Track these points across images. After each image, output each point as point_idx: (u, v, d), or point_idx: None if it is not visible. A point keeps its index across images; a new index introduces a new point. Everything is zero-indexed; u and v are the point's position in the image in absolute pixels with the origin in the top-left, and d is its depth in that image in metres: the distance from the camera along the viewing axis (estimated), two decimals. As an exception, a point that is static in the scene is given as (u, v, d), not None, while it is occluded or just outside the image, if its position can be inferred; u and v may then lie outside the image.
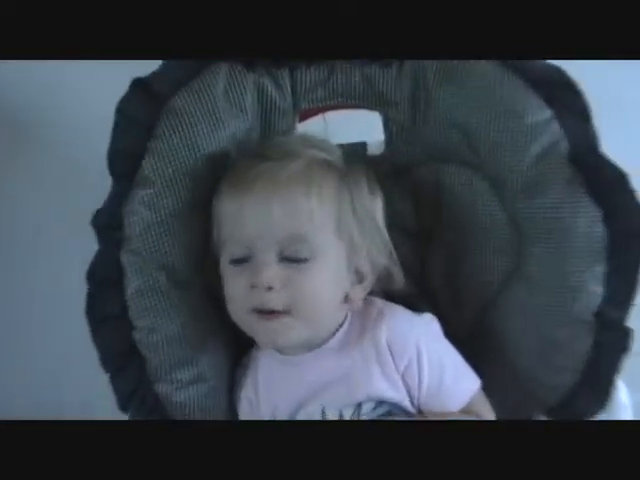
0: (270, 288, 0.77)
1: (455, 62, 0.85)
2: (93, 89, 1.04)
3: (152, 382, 0.85)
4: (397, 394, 0.80)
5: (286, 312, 0.77)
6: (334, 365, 0.81)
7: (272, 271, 0.76)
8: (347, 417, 0.80)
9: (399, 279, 0.85)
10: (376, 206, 0.83)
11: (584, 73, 0.82)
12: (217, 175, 0.85)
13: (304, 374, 0.82)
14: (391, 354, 0.80)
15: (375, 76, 0.88)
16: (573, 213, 0.82)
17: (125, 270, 0.83)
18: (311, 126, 0.90)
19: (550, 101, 0.83)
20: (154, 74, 0.85)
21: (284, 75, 0.88)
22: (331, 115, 0.91)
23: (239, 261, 0.79)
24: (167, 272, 0.84)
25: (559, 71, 0.84)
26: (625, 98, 1.14)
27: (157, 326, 0.84)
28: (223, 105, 0.85)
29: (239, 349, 0.91)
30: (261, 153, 0.80)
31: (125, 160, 0.83)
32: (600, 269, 0.82)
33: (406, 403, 0.80)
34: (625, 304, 0.83)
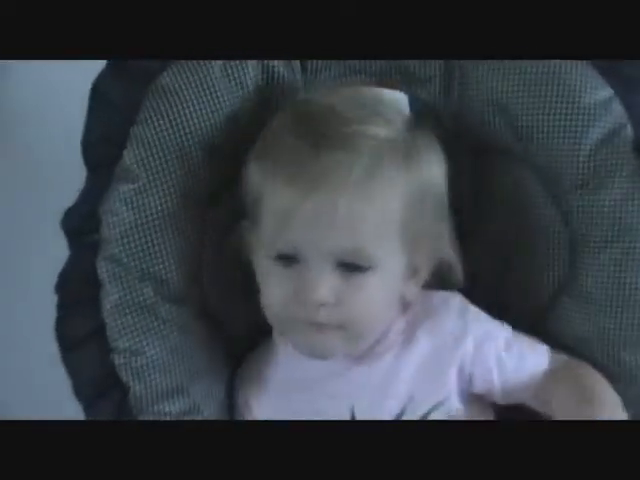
0: (323, 304, 0.71)
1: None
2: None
3: (135, 414, 0.77)
4: (442, 393, 0.75)
5: (339, 327, 0.72)
6: (374, 370, 0.76)
7: (327, 286, 0.71)
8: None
9: (458, 274, 0.78)
10: (444, 184, 0.76)
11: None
12: (215, 165, 0.78)
13: (338, 380, 0.77)
14: (460, 348, 0.75)
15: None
16: (638, 212, 0.75)
17: (102, 281, 0.76)
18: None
19: (610, 77, 0.76)
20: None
21: None
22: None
23: (287, 260, 0.72)
24: (154, 283, 0.77)
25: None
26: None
27: (141, 348, 0.76)
28: (220, 81, 0.77)
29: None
30: (317, 130, 0.71)
31: (102, 148, 0.77)
32: None
33: (451, 402, 0.75)
34: None
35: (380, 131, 0.72)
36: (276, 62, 0.79)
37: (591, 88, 0.76)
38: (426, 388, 0.75)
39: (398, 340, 0.77)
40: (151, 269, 0.76)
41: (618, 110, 0.75)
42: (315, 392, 0.77)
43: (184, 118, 0.76)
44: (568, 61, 0.76)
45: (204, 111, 0.76)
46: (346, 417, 0.75)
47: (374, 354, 0.76)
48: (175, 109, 0.76)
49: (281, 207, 0.71)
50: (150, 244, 0.76)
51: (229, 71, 0.77)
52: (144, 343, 0.76)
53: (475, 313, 0.77)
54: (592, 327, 0.77)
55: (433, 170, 0.75)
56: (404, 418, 0.75)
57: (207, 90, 0.77)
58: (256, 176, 0.74)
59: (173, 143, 0.76)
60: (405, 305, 0.77)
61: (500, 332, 0.77)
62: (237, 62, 0.78)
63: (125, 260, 0.75)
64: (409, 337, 0.77)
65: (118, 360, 0.75)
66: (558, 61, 0.76)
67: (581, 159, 0.76)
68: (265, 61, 0.79)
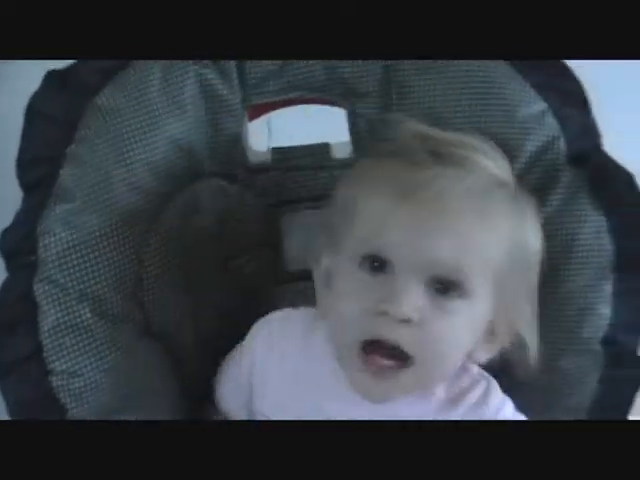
0: (407, 320, 0.63)
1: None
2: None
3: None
4: None
5: (406, 360, 0.64)
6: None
7: (415, 301, 0.63)
8: None
9: (531, 359, 0.69)
10: (537, 252, 0.69)
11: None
12: (154, 184, 0.77)
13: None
14: None
15: (339, 63, 0.79)
16: (574, 223, 0.75)
17: (39, 302, 0.72)
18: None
19: (544, 91, 0.76)
20: (74, 64, 0.76)
21: (231, 65, 0.80)
22: (277, 114, 0.82)
23: (374, 265, 0.64)
24: (92, 304, 0.74)
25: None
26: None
27: (79, 370, 0.73)
28: (159, 101, 0.76)
29: (191, 400, 0.80)
30: (433, 147, 0.66)
31: (39, 168, 0.74)
32: (608, 288, 0.75)
33: None
34: (638, 330, 0.76)
35: (493, 167, 0.68)
36: (215, 79, 0.78)
37: (526, 102, 0.76)
38: None
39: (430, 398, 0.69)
40: (89, 289, 0.73)
41: (551, 123, 0.75)
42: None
43: (121, 137, 0.74)
44: (503, 73, 0.76)
45: (142, 130, 0.75)
46: None
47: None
48: (113, 128, 0.74)
49: (381, 208, 0.65)
50: (88, 264, 0.73)
51: (167, 89, 0.76)
52: (82, 364, 0.73)
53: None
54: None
55: (533, 233, 0.69)
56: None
57: (145, 109, 0.75)
58: (353, 182, 0.69)
59: (110, 163, 0.74)
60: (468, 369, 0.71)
61: None
62: (175, 78, 0.76)
63: (62, 281, 0.72)
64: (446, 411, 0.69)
65: (56, 382, 0.72)
66: (494, 73, 0.76)
67: (517, 172, 0.74)
68: (203, 78, 0.77)
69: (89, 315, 0.73)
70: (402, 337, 0.63)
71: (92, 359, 0.73)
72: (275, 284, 0.82)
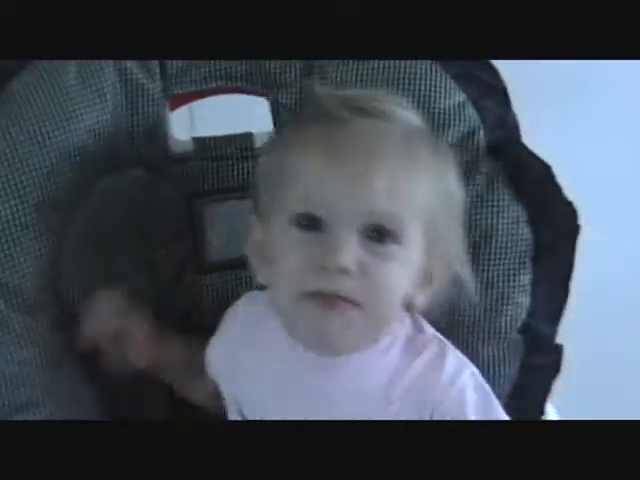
0: (345, 271, 0.63)
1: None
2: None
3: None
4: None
5: (355, 304, 0.64)
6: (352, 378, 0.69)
7: (352, 252, 0.63)
8: None
9: (471, 291, 0.72)
10: (461, 194, 0.70)
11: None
12: (72, 173, 0.75)
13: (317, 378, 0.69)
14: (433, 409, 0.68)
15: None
16: (493, 213, 0.76)
17: None
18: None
19: (463, 82, 0.76)
20: None
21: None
22: (199, 104, 0.80)
23: (310, 225, 0.65)
24: (5, 295, 0.73)
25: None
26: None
27: None
28: (77, 89, 0.75)
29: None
30: (351, 104, 0.67)
31: None
32: (526, 277, 0.76)
33: None
34: (555, 318, 0.77)
35: (411, 116, 0.69)
36: (134, 68, 0.77)
37: (445, 92, 0.76)
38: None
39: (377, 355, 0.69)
40: (2, 280, 0.72)
41: (471, 114, 0.76)
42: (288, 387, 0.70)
43: (37, 126, 0.73)
44: (423, 65, 0.76)
45: (58, 118, 0.74)
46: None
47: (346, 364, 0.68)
48: (28, 117, 0.73)
49: (309, 168, 0.65)
50: (1, 254, 0.72)
51: (84, 76, 0.75)
52: None
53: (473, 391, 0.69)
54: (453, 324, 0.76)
55: (455, 179, 0.70)
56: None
57: (61, 97, 0.74)
58: (278, 148, 0.70)
59: (25, 152, 0.72)
60: (411, 314, 0.71)
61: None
62: (93, 67, 0.75)
63: None
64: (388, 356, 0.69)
65: None
66: (413, 65, 0.75)
67: None
68: (122, 66, 0.76)
69: (2, 306, 0.72)
70: (343, 287, 0.63)
71: (5, 352, 0.72)
72: (197, 274, 0.80)
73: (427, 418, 0.67)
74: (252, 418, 0.72)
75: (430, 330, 0.71)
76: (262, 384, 0.71)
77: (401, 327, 0.70)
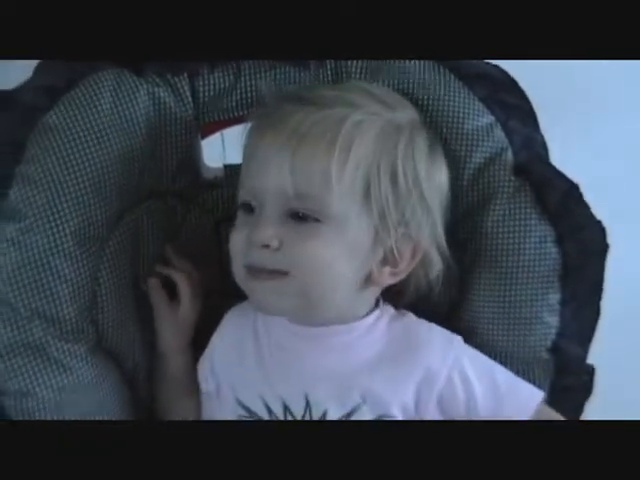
0: (266, 246, 0.70)
1: (383, 60, 0.78)
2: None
3: (28, 456, 0.73)
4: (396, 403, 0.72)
5: (282, 273, 0.70)
6: (344, 354, 0.74)
7: (271, 228, 0.70)
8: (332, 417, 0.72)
9: (435, 273, 0.75)
10: (433, 176, 0.73)
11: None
12: (107, 202, 0.76)
13: (308, 352, 0.74)
14: (433, 382, 0.72)
15: (290, 79, 0.79)
16: (520, 232, 0.75)
17: None
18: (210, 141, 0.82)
19: (491, 104, 0.77)
20: (23, 84, 0.75)
21: (182, 82, 0.79)
22: (231, 131, 0.81)
23: (246, 209, 0.73)
24: (43, 323, 0.73)
25: (499, 69, 0.78)
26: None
27: (32, 389, 0.73)
28: (110, 119, 0.75)
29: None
30: (306, 96, 0.72)
31: None
32: (555, 297, 0.76)
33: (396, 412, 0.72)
34: (585, 338, 0.77)
35: (380, 110, 0.71)
36: (167, 96, 0.77)
37: (473, 114, 0.76)
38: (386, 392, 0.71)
39: (361, 332, 0.74)
40: (40, 308, 0.72)
41: (499, 135, 0.76)
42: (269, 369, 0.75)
43: (72, 156, 0.73)
44: (451, 87, 0.76)
45: (93, 148, 0.74)
46: (301, 402, 0.73)
47: (331, 335, 0.73)
48: (63, 147, 0.73)
49: (246, 153, 0.73)
50: (39, 283, 0.72)
51: (118, 107, 0.75)
52: (35, 384, 0.72)
53: (470, 358, 0.73)
54: (483, 345, 0.76)
55: (419, 155, 0.72)
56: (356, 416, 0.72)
57: (96, 127, 0.74)
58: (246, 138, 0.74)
59: (61, 181, 0.73)
60: (377, 287, 0.74)
61: (486, 377, 0.72)
62: (126, 96, 0.76)
63: (13, 300, 0.72)
64: (373, 332, 0.74)
65: (8, 402, 0.72)
66: (444, 88, 0.76)
67: (465, 183, 0.76)
68: (155, 94, 0.77)
69: (41, 334, 0.73)
70: (266, 260, 0.70)
71: (44, 379, 0.73)
72: (224, 297, 0.81)
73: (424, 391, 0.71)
74: (252, 404, 0.75)
75: (413, 317, 0.76)
76: (258, 364, 0.75)
77: (385, 307, 0.75)
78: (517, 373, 0.75)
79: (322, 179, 0.68)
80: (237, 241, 0.72)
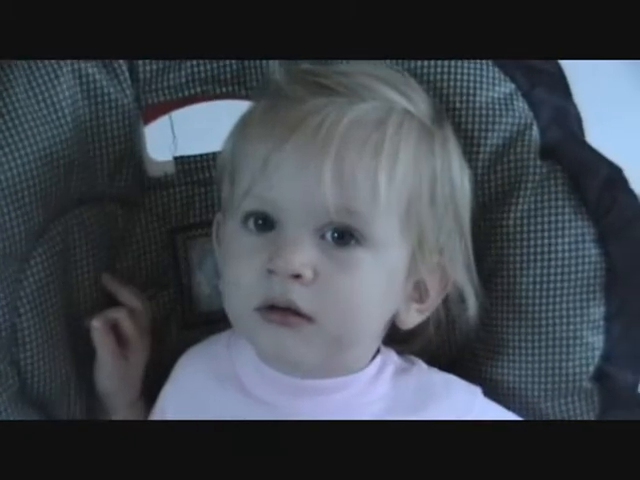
0: (297, 276, 0.58)
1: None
2: None
3: None
4: None
5: (309, 318, 0.59)
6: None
7: (304, 253, 0.59)
8: None
9: (472, 310, 0.66)
10: (464, 190, 0.65)
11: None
12: (25, 211, 0.67)
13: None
14: None
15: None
16: (551, 231, 0.68)
17: None
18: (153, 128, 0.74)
19: (510, 69, 0.69)
20: None
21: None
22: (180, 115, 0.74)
23: (259, 225, 0.61)
24: None
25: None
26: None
27: None
28: (25, 111, 0.67)
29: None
30: (316, 80, 0.63)
31: None
32: (598, 311, 0.68)
33: None
34: (638, 361, 0.70)
35: (399, 99, 0.62)
36: (97, 74, 0.69)
37: (487, 84, 0.68)
38: None
39: (362, 386, 0.64)
40: None
41: (521, 108, 0.68)
42: None
43: None
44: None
45: (5, 143, 0.65)
46: None
47: (326, 391, 0.64)
48: None
49: (255, 156, 0.60)
50: None
51: (35, 88, 0.66)
52: None
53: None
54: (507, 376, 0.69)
55: (453, 167, 0.64)
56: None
57: (9, 123, 0.65)
58: (235, 138, 0.65)
59: None
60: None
61: None
62: (45, 75, 0.67)
63: None
64: (376, 387, 0.64)
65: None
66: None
67: (479, 171, 0.68)
68: (82, 72, 0.69)
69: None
70: (297, 296, 0.58)
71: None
72: (184, 328, 0.74)
73: None
74: None
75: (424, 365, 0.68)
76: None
77: (387, 352, 0.67)
78: (553, 409, 0.69)
79: (369, 191, 0.59)
80: (248, 269, 0.60)
